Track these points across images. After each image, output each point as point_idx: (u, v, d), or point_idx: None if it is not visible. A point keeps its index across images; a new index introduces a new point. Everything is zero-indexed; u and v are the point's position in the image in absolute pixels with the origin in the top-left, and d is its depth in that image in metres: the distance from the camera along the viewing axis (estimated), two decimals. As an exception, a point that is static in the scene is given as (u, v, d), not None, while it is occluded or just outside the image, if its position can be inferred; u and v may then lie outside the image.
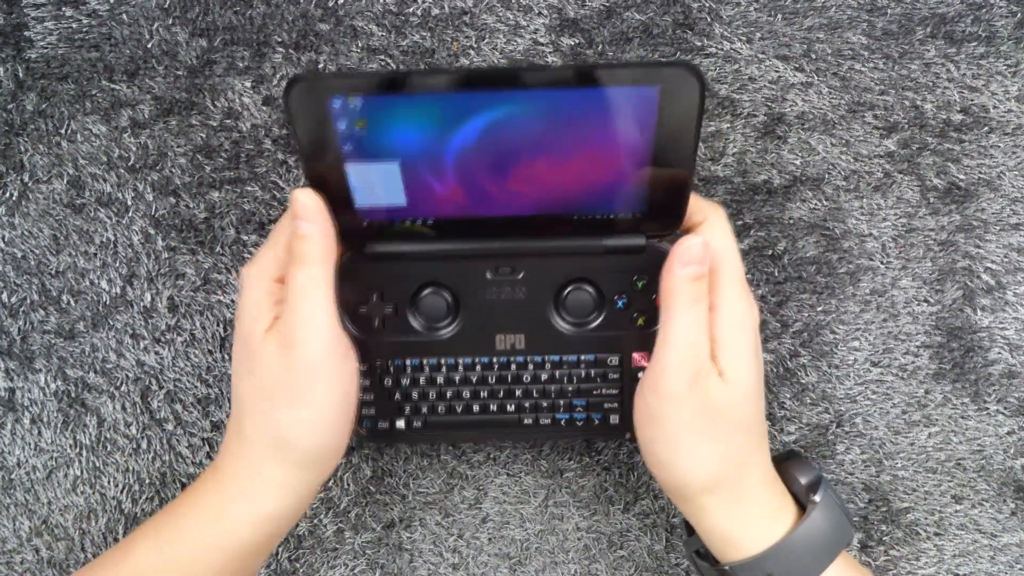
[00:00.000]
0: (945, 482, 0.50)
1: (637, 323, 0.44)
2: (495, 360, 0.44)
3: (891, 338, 0.49)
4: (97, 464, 0.49)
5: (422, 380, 0.44)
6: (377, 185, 0.40)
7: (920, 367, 0.50)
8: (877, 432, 0.50)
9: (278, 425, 0.38)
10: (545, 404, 0.45)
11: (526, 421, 0.45)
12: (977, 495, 0.50)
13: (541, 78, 0.36)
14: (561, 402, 0.45)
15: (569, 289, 0.43)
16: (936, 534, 0.50)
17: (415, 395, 0.44)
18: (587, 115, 0.38)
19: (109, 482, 0.49)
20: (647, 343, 0.43)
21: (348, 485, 0.50)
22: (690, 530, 0.44)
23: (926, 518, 0.50)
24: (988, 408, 0.50)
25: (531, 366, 0.44)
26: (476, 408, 0.45)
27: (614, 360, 0.44)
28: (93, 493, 0.49)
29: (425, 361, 0.44)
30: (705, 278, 0.38)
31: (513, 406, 0.45)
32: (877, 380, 0.50)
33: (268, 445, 0.38)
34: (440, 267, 0.43)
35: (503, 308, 0.43)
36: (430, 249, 0.42)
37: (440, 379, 0.44)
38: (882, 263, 0.49)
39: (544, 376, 0.44)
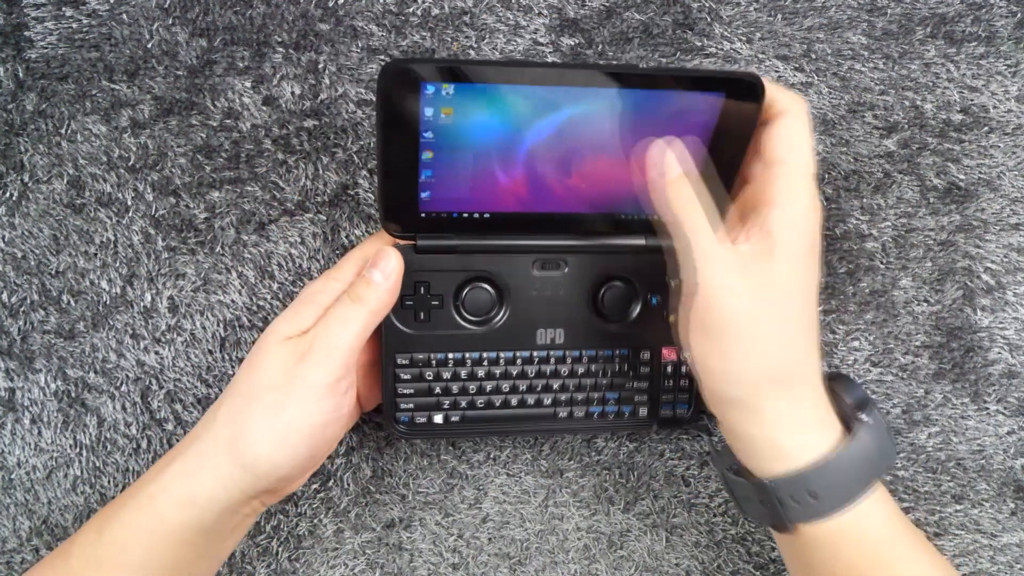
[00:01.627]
0: (945, 482, 0.50)
1: (668, 319, 0.46)
2: (535, 354, 0.45)
3: (891, 338, 0.49)
4: (97, 464, 0.49)
5: (463, 374, 0.45)
6: (445, 176, 0.41)
7: (920, 367, 0.50)
8: (877, 432, 0.50)
9: (247, 421, 0.38)
10: (580, 397, 0.46)
11: (561, 414, 0.46)
12: (977, 495, 0.50)
13: (629, 78, 0.38)
14: (595, 395, 0.46)
15: (607, 287, 0.45)
16: (936, 534, 0.50)
17: (455, 389, 0.45)
18: (658, 116, 0.39)
19: (109, 482, 0.49)
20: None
21: (348, 485, 0.50)
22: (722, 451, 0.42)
23: (926, 518, 0.50)
24: (988, 408, 0.50)
25: (569, 360, 0.45)
26: (514, 402, 0.45)
27: (646, 355, 0.46)
28: (93, 493, 0.49)
29: (467, 355, 0.45)
30: (684, 178, 0.38)
31: (549, 399, 0.46)
32: (877, 380, 0.50)
33: (228, 436, 0.39)
34: (489, 261, 0.44)
35: (546, 303, 0.45)
36: (482, 244, 0.44)
37: (481, 373, 0.45)
38: (882, 263, 0.49)
39: (581, 370, 0.46)
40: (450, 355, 0.45)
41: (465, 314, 0.45)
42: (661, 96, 0.38)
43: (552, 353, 0.45)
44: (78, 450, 0.49)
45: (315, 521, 0.50)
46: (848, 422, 0.39)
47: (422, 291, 0.44)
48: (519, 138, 0.40)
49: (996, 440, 0.50)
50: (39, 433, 0.49)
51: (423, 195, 0.41)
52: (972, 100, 0.47)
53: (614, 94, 0.38)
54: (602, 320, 0.45)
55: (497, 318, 0.45)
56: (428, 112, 0.38)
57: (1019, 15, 0.47)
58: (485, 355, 0.45)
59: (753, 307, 0.36)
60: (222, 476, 0.38)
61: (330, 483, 0.50)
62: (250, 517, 0.42)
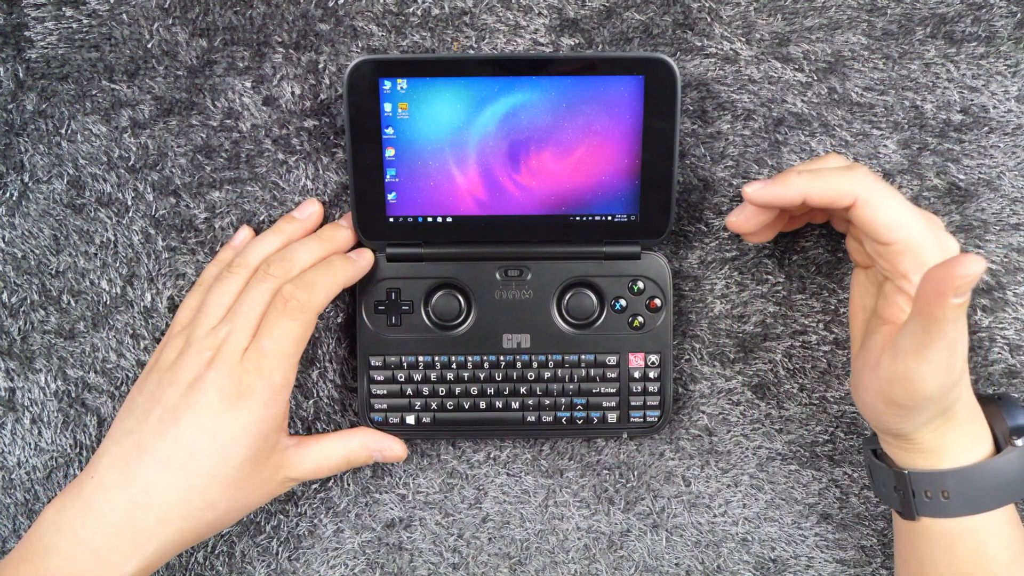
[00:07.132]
0: (945, 482, 0.50)
1: (633, 325, 0.47)
2: (502, 358, 0.47)
3: (891, 338, 0.49)
4: (97, 464, 0.49)
5: (433, 376, 0.47)
6: (408, 175, 0.44)
7: (920, 367, 0.50)
8: (877, 432, 0.50)
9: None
10: (547, 402, 0.47)
11: (529, 419, 0.47)
12: (977, 495, 0.50)
13: (552, 65, 0.42)
14: (562, 401, 0.47)
15: (571, 292, 0.46)
16: (936, 534, 0.50)
17: (426, 391, 0.47)
18: (585, 103, 0.43)
19: (109, 482, 0.49)
20: (642, 344, 0.47)
21: (348, 485, 0.50)
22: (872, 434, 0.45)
23: (926, 518, 0.50)
24: (988, 408, 0.50)
25: (535, 364, 0.47)
26: (483, 405, 0.47)
27: (612, 360, 0.47)
28: (93, 493, 0.49)
29: (437, 358, 0.46)
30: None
31: (517, 404, 0.47)
32: (877, 380, 0.50)
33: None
34: (455, 268, 0.46)
35: (511, 309, 0.46)
36: (448, 251, 0.46)
37: (451, 376, 0.47)
38: (882, 263, 0.49)
39: (547, 375, 0.47)
40: (420, 358, 0.46)
41: (435, 319, 0.46)
42: (586, 82, 0.42)
43: (518, 358, 0.47)
44: (78, 450, 0.49)
45: (315, 521, 0.50)
46: (999, 443, 0.41)
47: (393, 297, 0.46)
48: (469, 133, 0.43)
49: (996, 440, 0.50)
50: (39, 433, 0.49)
51: (390, 197, 0.44)
52: (972, 100, 0.47)
53: (547, 83, 0.42)
54: (567, 326, 0.47)
55: (465, 323, 0.46)
56: (387, 108, 0.43)
57: (1019, 15, 0.47)
58: (454, 358, 0.46)
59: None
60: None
61: (330, 483, 0.50)
62: None
